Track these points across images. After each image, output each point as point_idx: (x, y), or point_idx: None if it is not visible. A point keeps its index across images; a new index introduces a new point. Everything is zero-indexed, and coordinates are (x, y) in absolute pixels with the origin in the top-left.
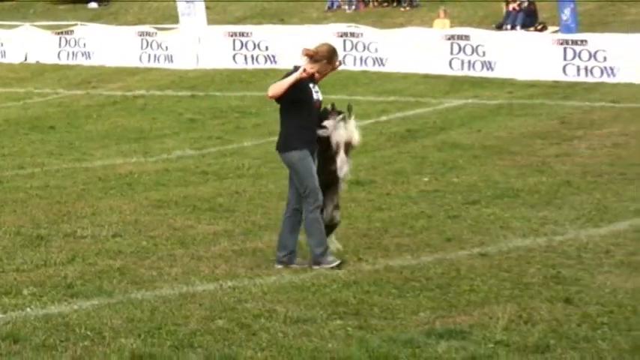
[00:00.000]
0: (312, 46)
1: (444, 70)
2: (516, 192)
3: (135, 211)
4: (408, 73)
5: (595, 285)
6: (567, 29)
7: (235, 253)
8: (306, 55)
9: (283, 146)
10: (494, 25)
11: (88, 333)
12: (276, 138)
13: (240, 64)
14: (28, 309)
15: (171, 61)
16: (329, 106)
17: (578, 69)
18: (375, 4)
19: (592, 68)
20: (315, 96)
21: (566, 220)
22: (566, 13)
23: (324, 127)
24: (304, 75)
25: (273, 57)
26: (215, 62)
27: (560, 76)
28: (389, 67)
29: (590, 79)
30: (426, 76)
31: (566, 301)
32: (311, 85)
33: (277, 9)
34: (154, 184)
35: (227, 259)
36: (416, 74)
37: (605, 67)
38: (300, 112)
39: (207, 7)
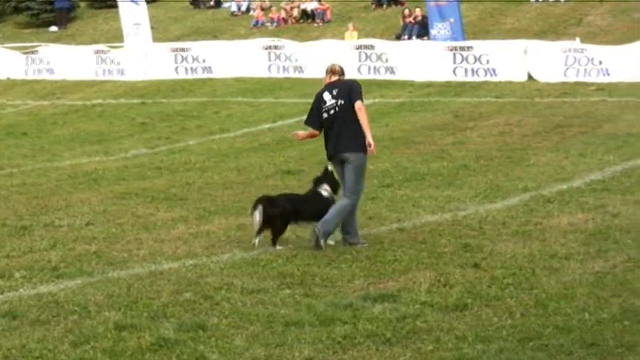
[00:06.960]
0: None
1: (354, 74)
2: (422, 176)
3: (102, 202)
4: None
5: (497, 252)
6: (436, 38)
7: (192, 235)
8: None
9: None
10: (394, 36)
11: (76, 308)
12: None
13: (182, 75)
14: (21, 289)
15: (123, 74)
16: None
17: (466, 70)
18: (293, 20)
19: (477, 70)
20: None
21: (467, 197)
22: (440, 26)
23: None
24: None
25: (210, 68)
26: (160, 74)
27: (451, 77)
28: (307, 74)
29: (476, 79)
30: None
31: (475, 266)
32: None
33: (211, 27)
34: (116, 179)
35: (185, 241)
36: None
37: (488, 69)
38: None
39: (152, 27)
